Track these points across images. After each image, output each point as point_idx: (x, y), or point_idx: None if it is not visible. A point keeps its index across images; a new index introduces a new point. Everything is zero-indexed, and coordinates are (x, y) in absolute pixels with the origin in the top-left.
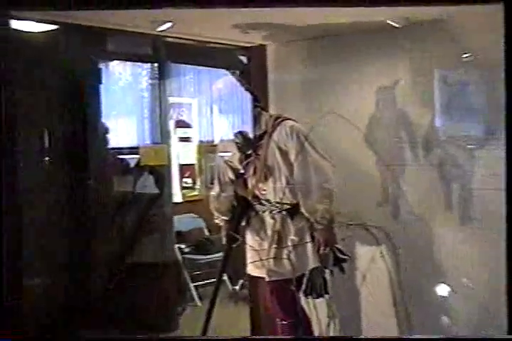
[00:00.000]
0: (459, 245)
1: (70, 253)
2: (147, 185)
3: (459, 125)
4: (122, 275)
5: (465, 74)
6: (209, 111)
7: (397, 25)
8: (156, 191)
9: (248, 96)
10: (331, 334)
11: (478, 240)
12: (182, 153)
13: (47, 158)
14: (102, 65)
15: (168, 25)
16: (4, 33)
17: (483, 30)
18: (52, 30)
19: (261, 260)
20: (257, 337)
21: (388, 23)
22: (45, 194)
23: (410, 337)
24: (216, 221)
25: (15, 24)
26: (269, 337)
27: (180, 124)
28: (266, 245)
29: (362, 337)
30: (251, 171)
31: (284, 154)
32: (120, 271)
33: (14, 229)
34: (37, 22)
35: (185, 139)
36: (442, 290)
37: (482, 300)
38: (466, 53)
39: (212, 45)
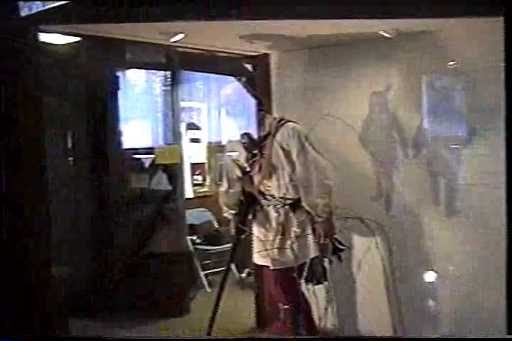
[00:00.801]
0: (445, 235)
1: (93, 244)
2: (161, 182)
3: (444, 126)
4: (139, 264)
5: (451, 80)
6: (217, 115)
7: (389, 36)
8: (170, 188)
9: (253, 100)
10: (329, 317)
11: (462, 230)
12: (193, 153)
13: (70, 158)
14: (119, 73)
15: (181, 36)
16: (34, 45)
17: (468, 41)
18: (76, 42)
19: (266, 250)
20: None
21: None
22: (69, 190)
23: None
24: (225, 214)
25: (44, 37)
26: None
27: (191, 127)
28: (271, 236)
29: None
30: (256, 169)
31: (287, 153)
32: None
33: (43, 222)
34: (63, 35)
35: (195, 140)
36: (429, 275)
37: (464, 283)
38: (452, 61)
39: (220, 54)
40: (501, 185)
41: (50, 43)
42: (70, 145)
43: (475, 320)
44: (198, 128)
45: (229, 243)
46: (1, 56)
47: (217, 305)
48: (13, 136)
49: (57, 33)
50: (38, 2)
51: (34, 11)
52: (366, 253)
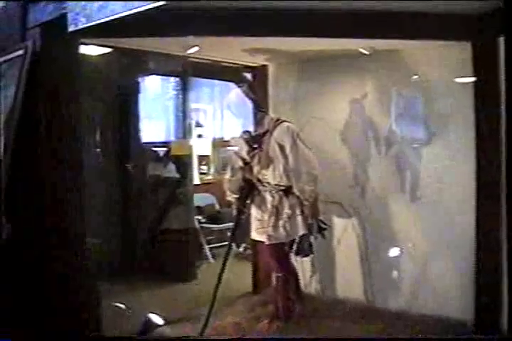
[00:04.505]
0: (409, 217)
1: (119, 221)
2: (175, 170)
3: (410, 129)
4: (157, 237)
5: (415, 90)
6: (220, 115)
7: (366, 53)
8: (181, 175)
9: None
10: (313, 283)
11: (422, 213)
12: (199, 147)
13: (98, 150)
14: (140, 79)
15: (195, 49)
16: (76, 56)
17: (429, 59)
18: (106, 53)
19: (263, 228)
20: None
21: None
22: (99, 176)
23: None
24: (228, 198)
25: (82, 49)
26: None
27: (198, 124)
28: (266, 217)
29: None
30: (256, 160)
31: (281, 148)
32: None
33: (79, 202)
34: (97, 46)
35: (201, 136)
36: (394, 250)
37: (421, 256)
38: (415, 75)
39: (225, 64)
40: (452, 177)
41: (85, 54)
42: (98, 138)
43: (429, 285)
44: (203, 126)
45: (228, 222)
46: (49, 65)
47: (221, 273)
48: (55, 131)
49: (93, 44)
50: (83, 19)
51: (79, 26)
52: (344, 231)
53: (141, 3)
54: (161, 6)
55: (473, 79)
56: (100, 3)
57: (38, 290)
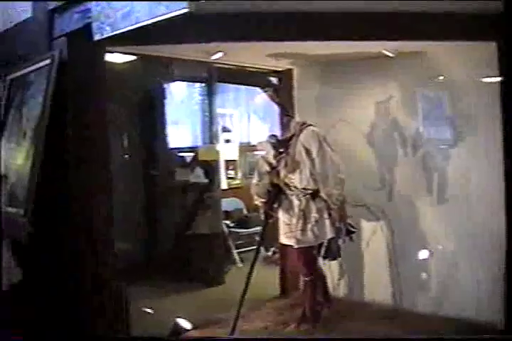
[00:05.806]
0: (436, 219)
1: (147, 226)
2: (200, 175)
3: (436, 130)
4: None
5: (440, 91)
6: (247, 119)
7: (391, 55)
8: (209, 180)
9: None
10: (341, 286)
11: (450, 215)
12: (226, 152)
13: (126, 156)
14: (166, 85)
15: (220, 54)
16: (101, 64)
17: (454, 59)
18: (131, 61)
19: (291, 232)
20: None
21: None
22: (126, 181)
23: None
24: (256, 202)
25: (108, 57)
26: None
27: (224, 129)
28: (294, 221)
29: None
30: (282, 165)
31: (308, 152)
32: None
33: (107, 207)
34: (122, 54)
35: (228, 141)
36: (423, 253)
37: (450, 259)
38: (440, 76)
39: (250, 69)
40: (480, 178)
41: (111, 61)
42: (125, 144)
43: (457, 287)
44: (229, 130)
45: (256, 227)
46: (75, 73)
47: (249, 277)
48: (82, 138)
49: (118, 52)
50: (108, 28)
51: (105, 35)
52: (373, 234)
53: (165, 10)
54: (185, 13)
55: (498, 78)
56: (124, 11)
57: (63, 293)
